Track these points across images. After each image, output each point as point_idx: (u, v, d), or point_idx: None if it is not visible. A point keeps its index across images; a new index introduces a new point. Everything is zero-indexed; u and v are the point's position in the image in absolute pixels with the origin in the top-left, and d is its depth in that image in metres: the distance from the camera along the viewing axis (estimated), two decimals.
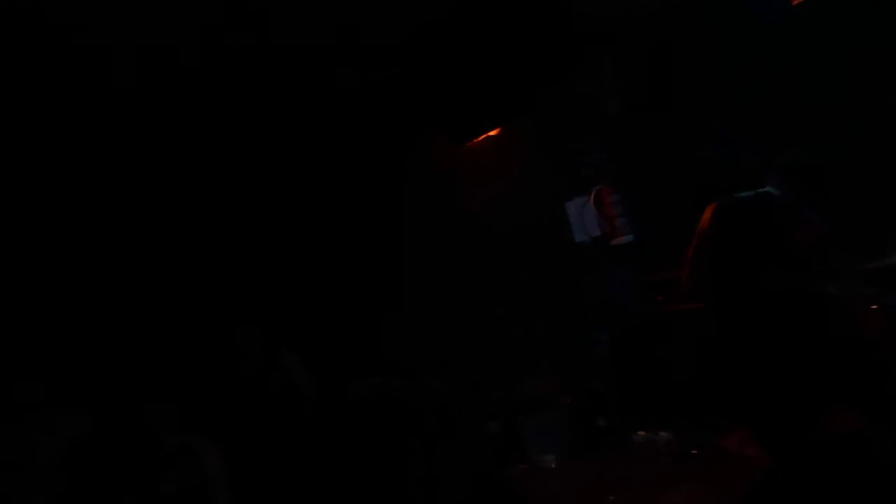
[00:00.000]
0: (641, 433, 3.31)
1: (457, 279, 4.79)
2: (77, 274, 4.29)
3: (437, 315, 4.75)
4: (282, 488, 3.74)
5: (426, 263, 4.84)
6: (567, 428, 3.62)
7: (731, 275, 3.13)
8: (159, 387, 4.04)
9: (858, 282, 3.14)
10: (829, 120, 3.69)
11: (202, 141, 4.54)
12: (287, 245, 4.73)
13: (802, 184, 3.11)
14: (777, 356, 2.94)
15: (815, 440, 2.73)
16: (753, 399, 3.02)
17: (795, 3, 3.47)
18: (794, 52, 3.85)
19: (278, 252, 4.72)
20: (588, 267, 4.53)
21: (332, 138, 4.83)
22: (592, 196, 4.41)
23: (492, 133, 4.73)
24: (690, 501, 2.60)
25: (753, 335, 3.03)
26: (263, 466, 3.74)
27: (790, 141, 3.66)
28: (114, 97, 3.87)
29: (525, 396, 3.98)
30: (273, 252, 4.71)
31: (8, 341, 3.88)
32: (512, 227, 4.79)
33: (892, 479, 2.57)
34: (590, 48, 4.39)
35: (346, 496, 3.82)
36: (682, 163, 4.47)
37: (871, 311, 3.09)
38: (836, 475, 2.61)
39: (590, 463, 3.29)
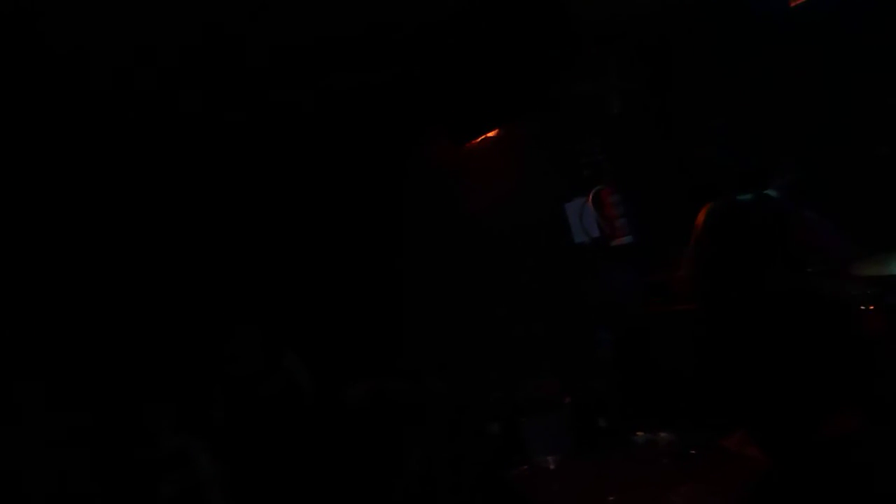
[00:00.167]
0: (642, 434, 3.31)
1: (457, 279, 4.79)
2: (76, 275, 4.29)
3: (438, 316, 4.75)
4: (281, 489, 3.74)
5: (426, 264, 4.84)
6: (567, 428, 3.63)
7: (729, 275, 3.14)
8: (158, 387, 4.04)
9: (858, 282, 3.14)
10: (829, 121, 3.69)
11: (201, 142, 4.54)
12: (287, 245, 4.74)
13: (800, 186, 3.12)
14: (774, 357, 2.95)
15: (815, 441, 2.73)
16: (752, 400, 3.02)
17: (794, 3, 3.47)
18: (794, 53, 3.85)
19: (279, 252, 4.72)
20: (588, 268, 4.53)
21: (331, 139, 4.83)
22: (591, 197, 4.41)
23: (492, 133, 4.72)
24: (691, 502, 2.60)
25: (750, 336, 3.03)
26: (263, 467, 3.75)
27: (790, 142, 3.67)
28: (114, 97, 3.87)
29: (525, 397, 3.98)
30: (273, 252, 4.71)
31: (7, 341, 3.88)
32: (512, 227, 4.79)
33: (892, 480, 2.57)
34: (590, 49, 4.39)
35: (345, 497, 3.83)
36: (683, 163, 4.47)
37: (870, 311, 3.09)
38: (835, 476, 2.61)
39: (590, 463, 3.29)
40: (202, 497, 3.51)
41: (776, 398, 2.92)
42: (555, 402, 3.85)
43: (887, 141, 3.50)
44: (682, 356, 3.78)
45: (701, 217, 3.25)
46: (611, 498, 2.71)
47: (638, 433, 3.32)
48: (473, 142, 4.82)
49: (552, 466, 3.31)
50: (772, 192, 3.16)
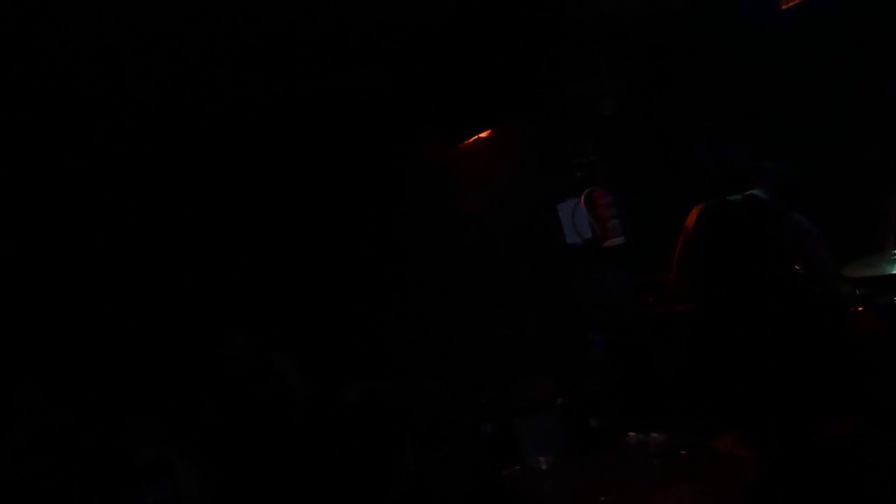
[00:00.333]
0: (634, 434, 3.32)
1: (450, 280, 4.79)
2: (64, 278, 4.28)
3: (431, 316, 4.76)
4: (275, 490, 3.73)
5: (419, 264, 4.84)
6: (560, 429, 3.64)
7: (719, 275, 3.15)
8: (145, 392, 4.03)
9: (848, 283, 3.16)
10: (820, 123, 3.71)
11: (195, 143, 4.53)
12: (280, 246, 4.72)
13: (789, 187, 3.14)
14: (765, 357, 2.96)
15: (807, 442, 2.74)
16: (743, 401, 3.03)
17: (785, 6, 3.48)
18: (785, 55, 3.87)
19: (271, 254, 4.71)
20: (580, 268, 4.54)
21: (325, 139, 4.82)
22: (583, 198, 4.42)
23: (484, 134, 4.73)
24: (682, 502, 2.60)
25: (741, 336, 3.04)
26: (256, 468, 3.73)
27: (781, 144, 3.69)
28: (112, 97, 3.86)
29: (518, 397, 3.99)
30: (266, 254, 4.70)
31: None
32: (505, 228, 4.79)
33: (884, 482, 2.59)
34: (583, 50, 4.40)
35: (339, 498, 3.82)
36: (675, 165, 4.49)
37: (861, 312, 3.11)
38: (827, 477, 2.62)
39: (583, 464, 3.29)
40: None
41: (767, 399, 2.94)
42: (547, 402, 3.86)
43: (878, 142, 3.52)
44: (674, 357, 3.80)
45: (691, 218, 3.26)
46: (602, 498, 2.71)
47: (630, 433, 3.33)
48: (466, 142, 4.82)
49: (544, 466, 3.31)
50: (761, 193, 3.17)
